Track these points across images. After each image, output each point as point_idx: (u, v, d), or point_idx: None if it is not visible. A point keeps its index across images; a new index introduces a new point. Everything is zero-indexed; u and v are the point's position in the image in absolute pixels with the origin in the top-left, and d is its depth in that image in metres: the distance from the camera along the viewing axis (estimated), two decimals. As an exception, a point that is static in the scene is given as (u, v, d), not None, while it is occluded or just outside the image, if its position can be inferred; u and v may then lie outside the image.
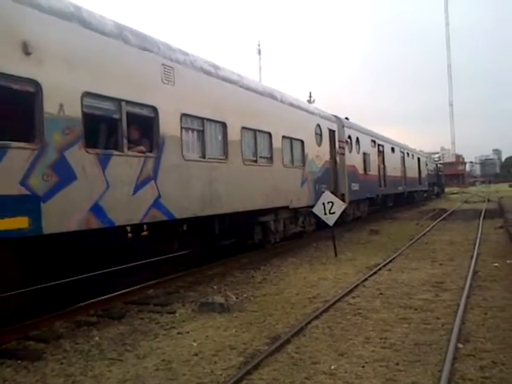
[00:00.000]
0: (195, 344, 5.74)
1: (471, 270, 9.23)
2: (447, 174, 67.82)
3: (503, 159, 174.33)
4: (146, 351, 5.58)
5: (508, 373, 4.55)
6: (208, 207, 9.64)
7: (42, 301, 8.01)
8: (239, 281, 9.56)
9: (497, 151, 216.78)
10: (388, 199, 27.36)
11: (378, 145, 24.52)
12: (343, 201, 17.29)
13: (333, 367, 4.84)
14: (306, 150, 14.78)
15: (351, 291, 8.03)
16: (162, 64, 8.50)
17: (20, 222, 5.89)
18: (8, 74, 5.84)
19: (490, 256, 11.11)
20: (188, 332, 6.25)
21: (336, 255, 12.08)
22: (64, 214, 6.47)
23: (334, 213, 12.34)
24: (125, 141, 7.58)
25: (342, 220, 18.01)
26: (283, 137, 13.21)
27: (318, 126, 16.11)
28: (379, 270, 9.91)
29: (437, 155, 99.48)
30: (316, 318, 6.52)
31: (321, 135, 16.24)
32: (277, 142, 12.84)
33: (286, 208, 13.44)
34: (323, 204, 12.43)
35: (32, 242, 6.73)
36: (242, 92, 11.26)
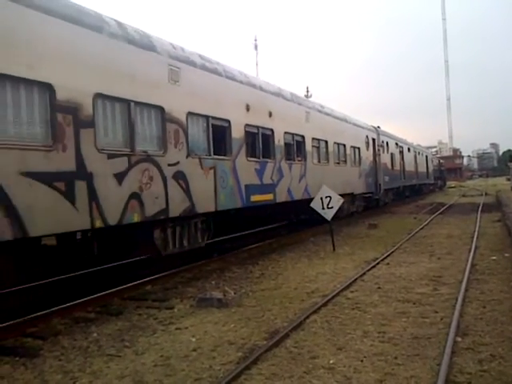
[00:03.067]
0: (194, 339, 5.73)
1: (469, 264, 9.25)
2: (445, 168, 68.44)
3: (501, 153, 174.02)
4: (145, 347, 5.57)
5: (506, 366, 4.56)
6: None
7: (39, 298, 7.98)
8: (237, 276, 9.57)
9: (494, 145, 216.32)
10: (405, 190, 32.97)
11: (399, 146, 30.76)
12: (379, 189, 24.07)
13: (331, 361, 4.84)
14: (361, 154, 21.28)
15: (350, 285, 8.04)
16: (305, 111, 15.46)
17: (270, 196, 12.58)
18: (265, 127, 12.53)
19: (488, 249, 11.14)
20: (186, 327, 6.24)
21: (334, 250, 12.09)
22: (281, 193, 13.13)
23: (331, 207, 12.30)
24: (295, 155, 14.45)
25: (377, 204, 24.54)
26: (351, 146, 19.80)
27: (367, 136, 22.66)
28: (377, 264, 9.92)
29: (434, 149, 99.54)
30: (314, 312, 6.52)
31: (368, 143, 22.76)
32: (348, 150, 19.44)
33: (349, 194, 19.22)
34: (321, 199, 12.37)
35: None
36: (332, 120, 18.21)
